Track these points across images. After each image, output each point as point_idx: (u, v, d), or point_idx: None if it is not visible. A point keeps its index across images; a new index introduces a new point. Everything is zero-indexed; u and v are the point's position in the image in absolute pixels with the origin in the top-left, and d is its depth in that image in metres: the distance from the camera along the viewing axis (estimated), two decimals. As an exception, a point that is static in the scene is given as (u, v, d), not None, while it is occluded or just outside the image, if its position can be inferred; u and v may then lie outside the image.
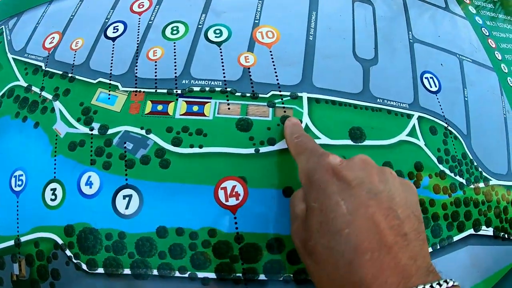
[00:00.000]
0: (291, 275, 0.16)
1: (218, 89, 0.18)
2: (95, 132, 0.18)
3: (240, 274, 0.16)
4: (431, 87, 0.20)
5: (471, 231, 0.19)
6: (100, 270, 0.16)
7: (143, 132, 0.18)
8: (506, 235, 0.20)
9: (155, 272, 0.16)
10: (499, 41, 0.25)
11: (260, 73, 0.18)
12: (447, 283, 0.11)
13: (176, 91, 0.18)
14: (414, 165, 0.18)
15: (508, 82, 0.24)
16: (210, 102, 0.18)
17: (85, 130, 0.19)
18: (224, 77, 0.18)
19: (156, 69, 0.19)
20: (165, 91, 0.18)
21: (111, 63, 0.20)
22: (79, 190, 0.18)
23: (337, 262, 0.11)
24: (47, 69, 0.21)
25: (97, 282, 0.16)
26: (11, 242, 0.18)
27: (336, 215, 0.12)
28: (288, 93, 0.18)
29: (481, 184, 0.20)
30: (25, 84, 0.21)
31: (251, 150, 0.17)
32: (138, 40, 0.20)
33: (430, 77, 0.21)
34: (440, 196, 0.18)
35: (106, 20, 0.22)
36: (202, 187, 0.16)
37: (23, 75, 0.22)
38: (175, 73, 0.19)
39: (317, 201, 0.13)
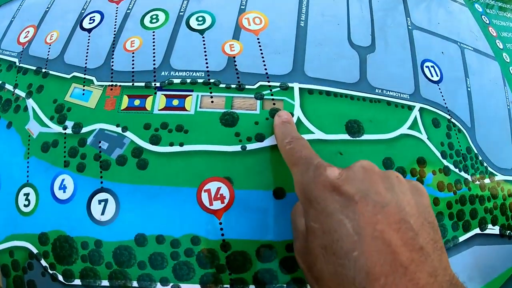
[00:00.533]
0: (284, 286, 0.13)
1: (200, 80, 0.15)
2: (69, 131, 0.16)
3: (228, 286, 0.13)
4: (432, 76, 0.18)
5: (477, 231, 0.16)
6: (77, 282, 0.14)
7: (119, 130, 0.15)
8: (512, 233, 0.17)
9: (134, 283, 0.14)
10: (500, 29, 0.23)
11: (247, 62, 0.16)
12: None
13: (155, 84, 0.16)
14: (416, 160, 0.15)
15: (510, 72, 0.21)
16: (191, 95, 0.15)
17: (58, 129, 0.16)
18: (207, 67, 0.16)
19: (133, 61, 0.16)
20: (142, 84, 0.16)
21: (86, 56, 0.17)
22: (52, 194, 0.15)
23: None
24: (21, 65, 0.19)
25: (72, 295, 0.14)
26: (-17, 253, 0.15)
27: (341, 236, 0.10)
28: (278, 84, 0.15)
29: (487, 180, 0.17)
30: (-3, 82, 0.18)
31: (237, 148, 0.14)
32: (115, 31, 0.17)
33: (431, 66, 0.18)
34: (444, 194, 0.16)
35: (82, 11, 0.19)
36: (183, 190, 0.14)
37: (-4, 72, 0.19)
38: (154, 64, 0.16)
39: (318, 221, 0.10)
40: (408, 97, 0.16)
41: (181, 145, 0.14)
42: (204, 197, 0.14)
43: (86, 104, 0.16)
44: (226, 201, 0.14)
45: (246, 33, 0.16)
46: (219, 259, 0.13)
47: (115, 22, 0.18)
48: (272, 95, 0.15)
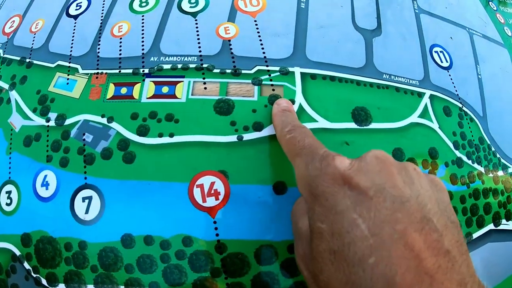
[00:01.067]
0: (286, 290, 0.11)
1: (192, 65, 0.13)
2: (52, 123, 0.14)
3: (224, 291, 0.11)
4: (442, 62, 0.15)
5: (491, 226, 0.14)
6: (62, 286, 0.12)
7: (104, 120, 0.13)
8: (527, 228, 0.15)
9: (122, 288, 0.11)
10: (508, 16, 0.20)
11: (243, 45, 0.13)
12: None
13: (143, 71, 0.13)
14: (428, 151, 0.13)
15: (518, 60, 0.19)
16: (182, 81, 0.13)
17: (41, 121, 0.14)
18: (200, 51, 0.13)
19: (121, 46, 0.14)
20: (130, 71, 0.13)
21: (72, 44, 0.15)
22: (34, 192, 0.13)
23: None
24: (5, 56, 0.16)
25: (56, 301, 0.12)
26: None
27: (354, 239, 0.08)
28: (277, 68, 0.13)
29: (500, 172, 0.15)
30: (-19, 74, 0.16)
31: (233, 138, 0.12)
32: (102, 16, 0.15)
33: (440, 51, 0.16)
34: (457, 187, 0.13)
35: (69, -3, 0.17)
36: (174, 185, 0.12)
37: (-20, 64, 0.17)
38: (143, 50, 0.14)
39: (325, 221, 0.08)
40: (418, 84, 0.14)
41: (171, 136, 0.12)
42: (197, 193, 0.12)
43: (70, 94, 0.14)
44: (220, 197, 0.11)
45: (243, 15, 0.14)
46: (213, 262, 0.11)
47: (103, 7, 0.16)
48: (271, 80, 0.13)
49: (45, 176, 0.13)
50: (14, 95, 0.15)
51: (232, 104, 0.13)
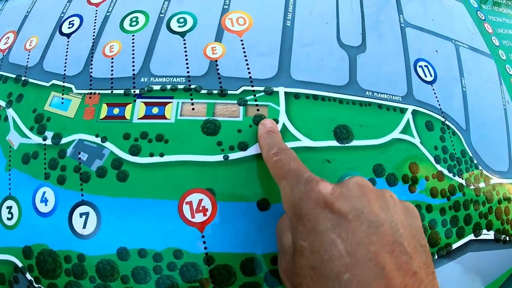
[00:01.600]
0: (270, 299, 0.12)
1: (180, 86, 0.14)
2: (49, 142, 0.14)
3: (212, 300, 0.12)
4: (425, 76, 0.16)
5: (471, 237, 0.15)
6: None
7: (98, 140, 0.14)
8: (507, 238, 0.16)
9: (118, 298, 0.12)
10: (496, 26, 0.21)
11: (230, 66, 0.14)
12: None
13: (134, 91, 0.14)
14: (409, 166, 0.14)
15: (506, 70, 0.20)
16: (171, 102, 0.14)
17: (38, 140, 0.15)
18: (188, 72, 0.14)
19: (112, 66, 0.15)
20: (121, 92, 0.14)
21: (65, 63, 0.16)
22: (34, 208, 0.14)
23: None
24: (1, 73, 0.17)
25: (56, 310, 0.13)
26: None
27: (332, 257, 0.09)
28: (262, 88, 0.14)
29: (482, 184, 0.16)
30: (-24, 92, 0.17)
31: (220, 157, 0.13)
32: (94, 35, 0.16)
33: (425, 65, 0.16)
34: (438, 200, 0.14)
35: (62, 15, 0.18)
36: (165, 202, 0.13)
37: (-25, 81, 0.17)
38: (133, 70, 0.15)
39: (307, 239, 0.09)
40: (400, 99, 0.15)
41: (161, 155, 0.13)
42: (186, 209, 0.13)
43: (65, 114, 0.15)
44: (208, 213, 0.13)
45: (229, 34, 0.15)
46: (202, 273, 0.12)
47: (94, 26, 0.16)
48: (256, 100, 0.14)
49: (44, 192, 0.14)
50: (11, 113, 0.16)
51: (219, 124, 0.13)
